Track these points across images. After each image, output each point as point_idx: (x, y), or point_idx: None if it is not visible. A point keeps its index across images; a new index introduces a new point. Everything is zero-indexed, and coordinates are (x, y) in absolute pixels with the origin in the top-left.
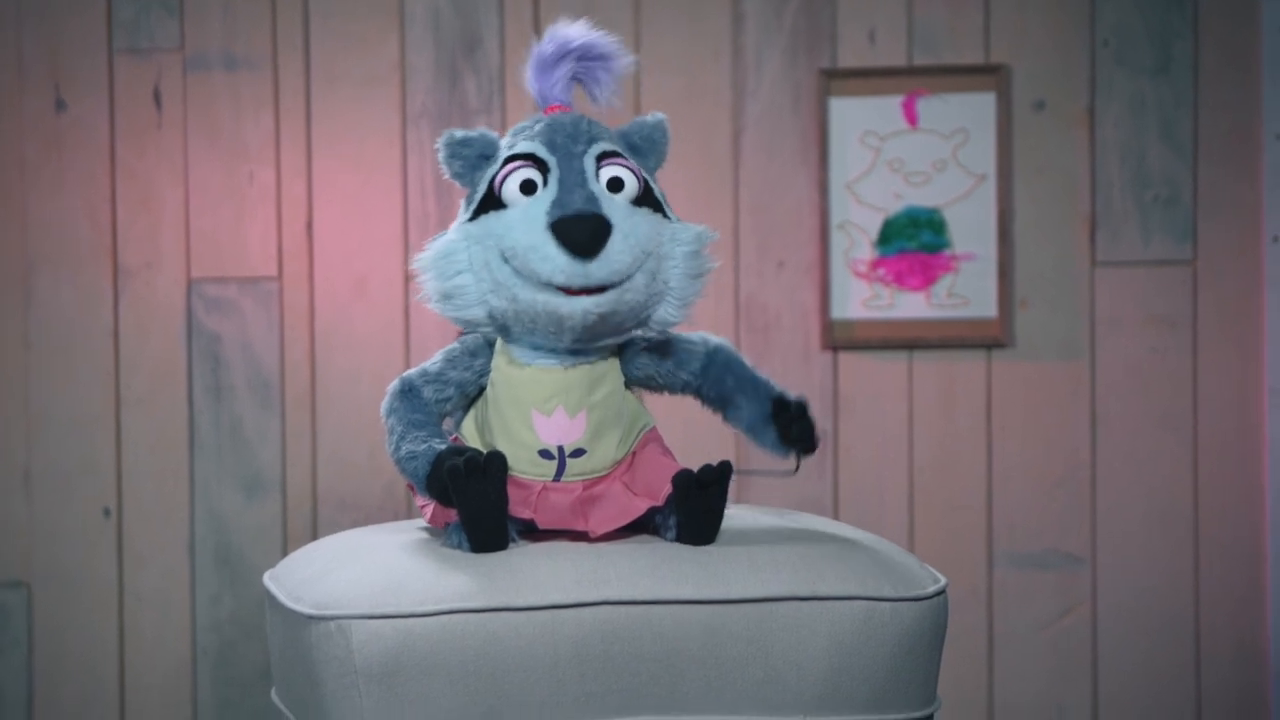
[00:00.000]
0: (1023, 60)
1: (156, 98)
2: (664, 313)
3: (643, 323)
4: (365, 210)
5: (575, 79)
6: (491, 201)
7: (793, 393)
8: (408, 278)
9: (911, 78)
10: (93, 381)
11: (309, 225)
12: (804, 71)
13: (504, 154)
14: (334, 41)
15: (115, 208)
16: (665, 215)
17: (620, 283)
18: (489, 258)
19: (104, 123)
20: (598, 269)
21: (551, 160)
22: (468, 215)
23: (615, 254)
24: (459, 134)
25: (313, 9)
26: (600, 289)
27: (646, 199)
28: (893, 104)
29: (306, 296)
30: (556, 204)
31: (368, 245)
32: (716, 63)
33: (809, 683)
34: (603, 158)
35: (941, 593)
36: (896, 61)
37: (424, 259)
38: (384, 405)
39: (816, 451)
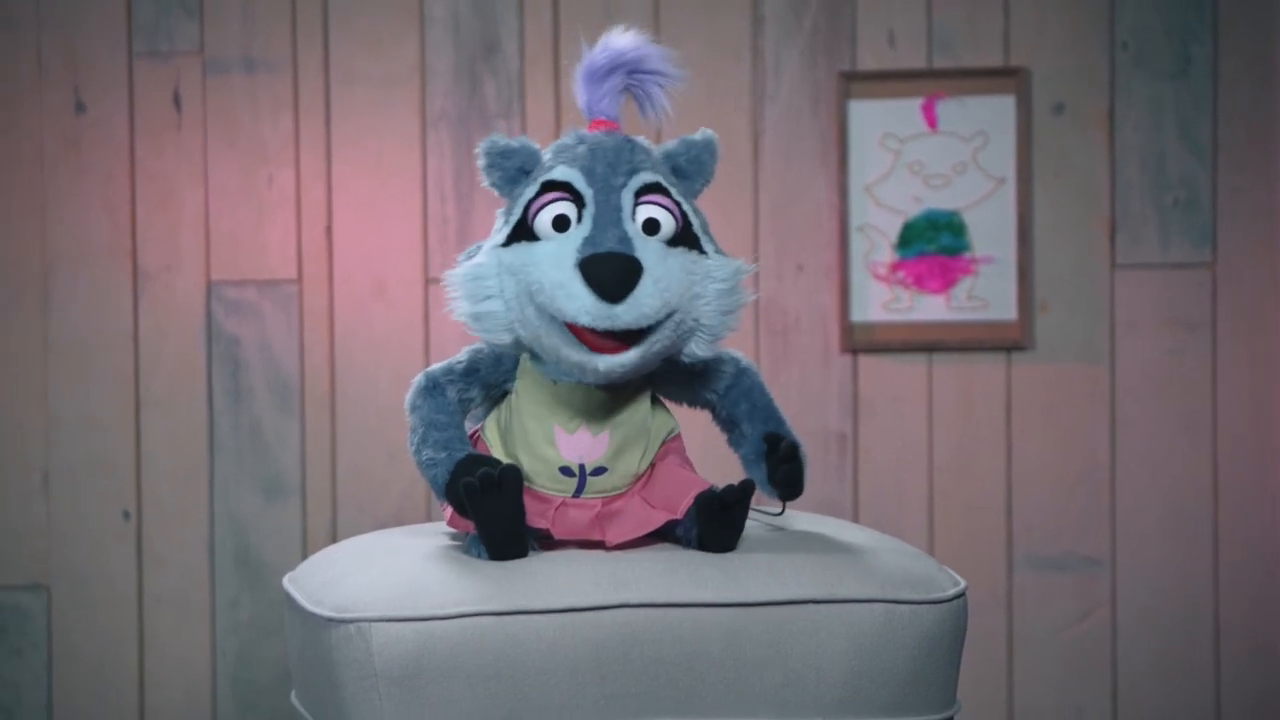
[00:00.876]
0: (1042, 63)
1: (176, 100)
2: (693, 348)
3: (670, 360)
4: (384, 213)
5: (626, 91)
6: (525, 230)
7: (792, 435)
8: (427, 280)
9: (931, 80)
10: (112, 383)
11: (328, 228)
12: (823, 74)
13: (542, 176)
14: (353, 44)
15: (135, 210)
16: (702, 249)
17: (647, 330)
18: (519, 291)
19: (123, 125)
20: (625, 312)
21: (588, 194)
22: (501, 239)
23: (644, 298)
24: (500, 143)
25: (332, 12)
26: (625, 333)
27: (684, 236)
28: (912, 106)
29: (326, 299)
30: (588, 242)
31: (387, 248)
32: (736, 65)
33: (829, 686)
34: (642, 193)
35: (961, 595)
36: (916, 64)
37: (455, 278)
38: (407, 400)
39: (800, 496)
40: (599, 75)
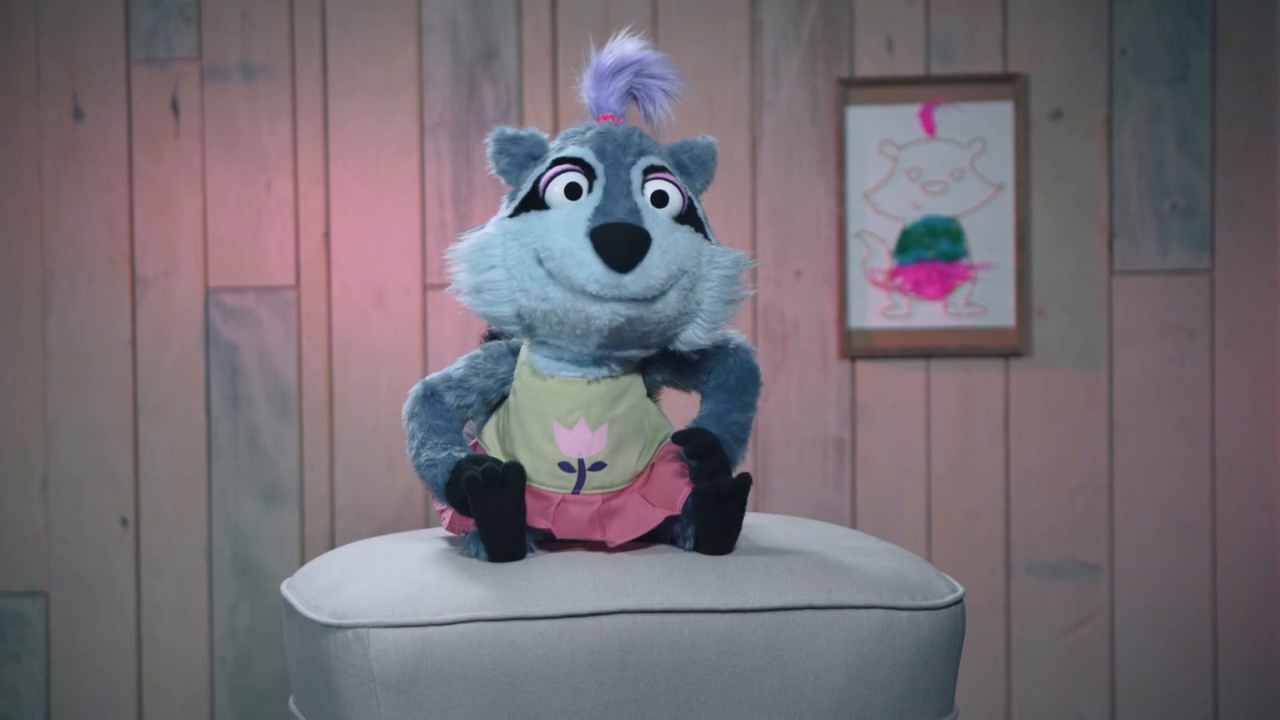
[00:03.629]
0: (1040, 69)
1: (174, 107)
2: (691, 333)
3: (669, 340)
4: (382, 219)
5: (631, 94)
6: (534, 201)
7: (738, 422)
8: (425, 287)
9: (929, 87)
10: (110, 390)
11: (326, 234)
12: (822, 80)
13: (552, 156)
14: (351, 51)
15: (133, 217)
16: (706, 236)
17: (653, 297)
18: (524, 255)
19: (121, 132)
20: (632, 282)
21: (599, 167)
22: (509, 211)
23: (651, 268)
24: (509, 131)
25: (330, 18)
26: (632, 300)
27: (689, 217)
28: (910, 113)
29: (324, 306)
30: (599, 211)
31: (385, 255)
32: (734, 72)
33: (826, 692)
34: (650, 171)
35: (959, 602)
36: (914, 70)
37: (458, 250)
38: (405, 408)
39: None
40: (606, 76)
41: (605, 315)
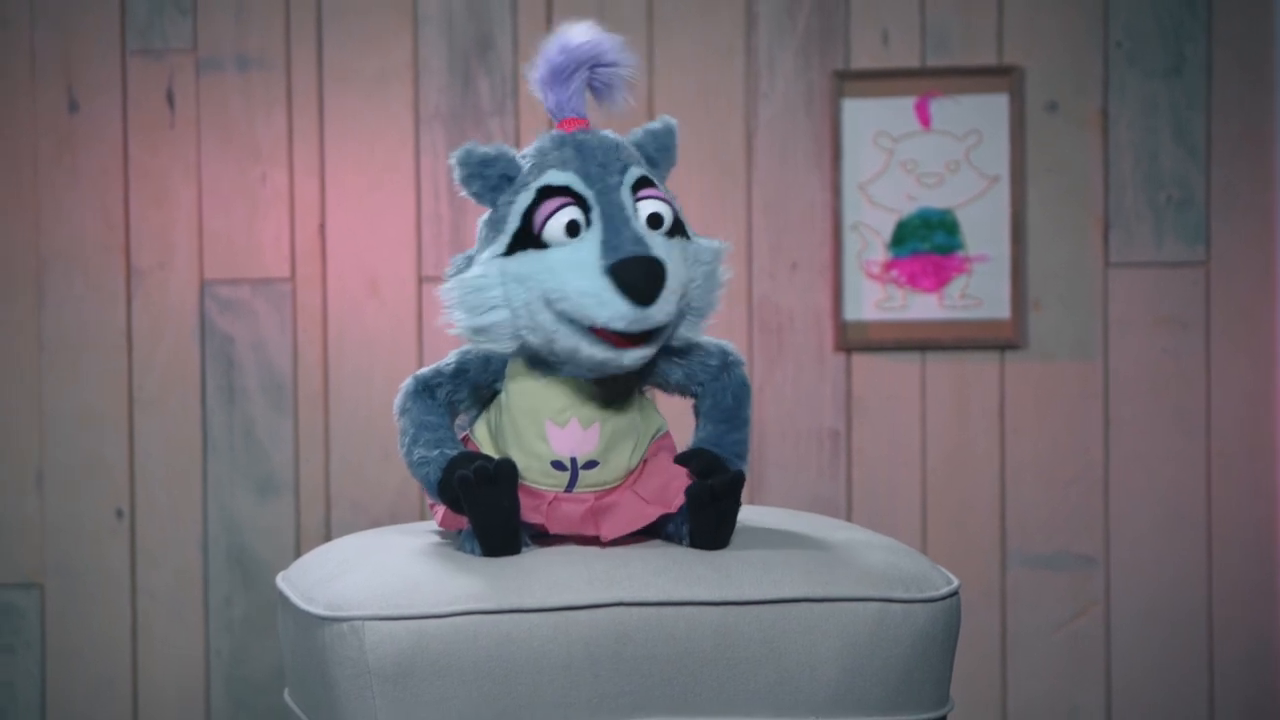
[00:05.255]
0: (1036, 61)
1: (169, 98)
2: (684, 331)
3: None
4: (378, 211)
5: (591, 86)
6: (529, 238)
7: (739, 446)
8: (421, 278)
9: (924, 79)
10: (105, 382)
11: (322, 226)
12: (817, 73)
13: (533, 182)
14: (347, 42)
15: (128, 208)
16: (686, 234)
17: (668, 324)
18: (530, 299)
19: (117, 123)
20: (656, 313)
21: (590, 195)
22: (502, 249)
23: (669, 295)
24: (479, 152)
25: (325, 9)
26: (650, 332)
27: (676, 225)
28: (906, 105)
29: (319, 297)
30: (607, 246)
31: (380, 246)
32: (730, 64)
33: (821, 684)
34: (637, 187)
35: (954, 594)
36: (909, 63)
37: (453, 293)
38: (396, 403)
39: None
40: (563, 75)
41: (626, 362)
